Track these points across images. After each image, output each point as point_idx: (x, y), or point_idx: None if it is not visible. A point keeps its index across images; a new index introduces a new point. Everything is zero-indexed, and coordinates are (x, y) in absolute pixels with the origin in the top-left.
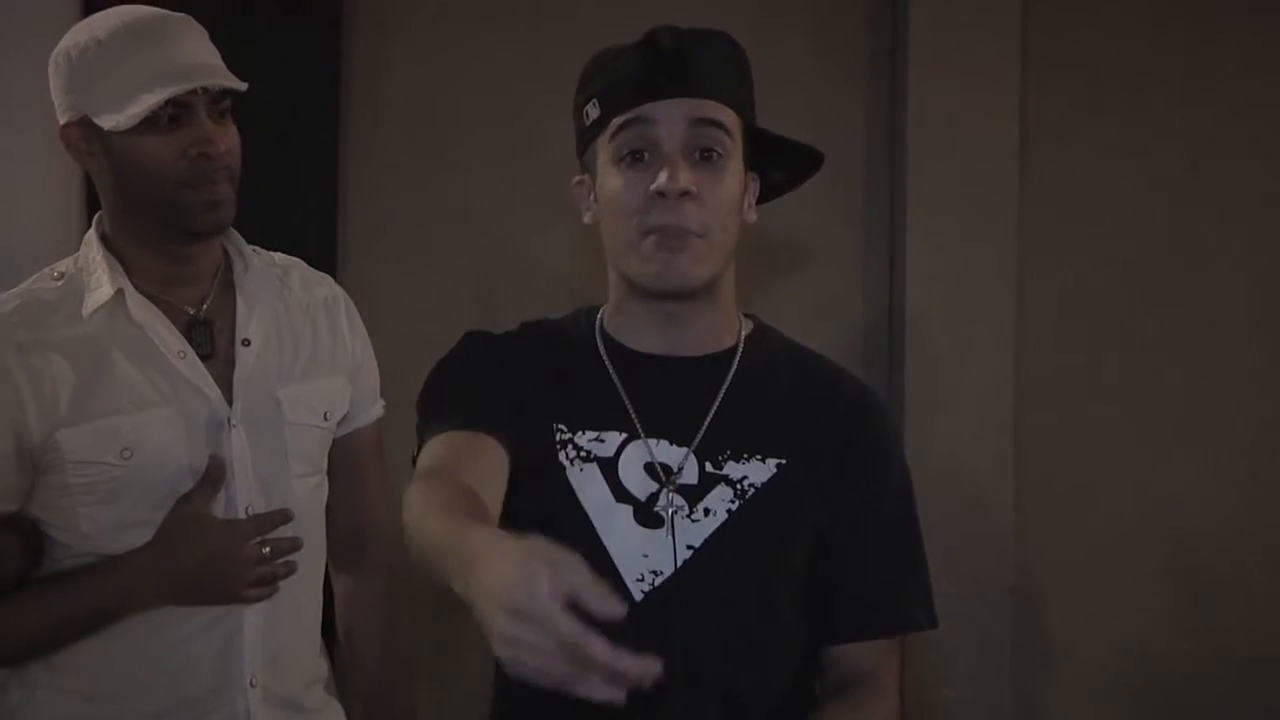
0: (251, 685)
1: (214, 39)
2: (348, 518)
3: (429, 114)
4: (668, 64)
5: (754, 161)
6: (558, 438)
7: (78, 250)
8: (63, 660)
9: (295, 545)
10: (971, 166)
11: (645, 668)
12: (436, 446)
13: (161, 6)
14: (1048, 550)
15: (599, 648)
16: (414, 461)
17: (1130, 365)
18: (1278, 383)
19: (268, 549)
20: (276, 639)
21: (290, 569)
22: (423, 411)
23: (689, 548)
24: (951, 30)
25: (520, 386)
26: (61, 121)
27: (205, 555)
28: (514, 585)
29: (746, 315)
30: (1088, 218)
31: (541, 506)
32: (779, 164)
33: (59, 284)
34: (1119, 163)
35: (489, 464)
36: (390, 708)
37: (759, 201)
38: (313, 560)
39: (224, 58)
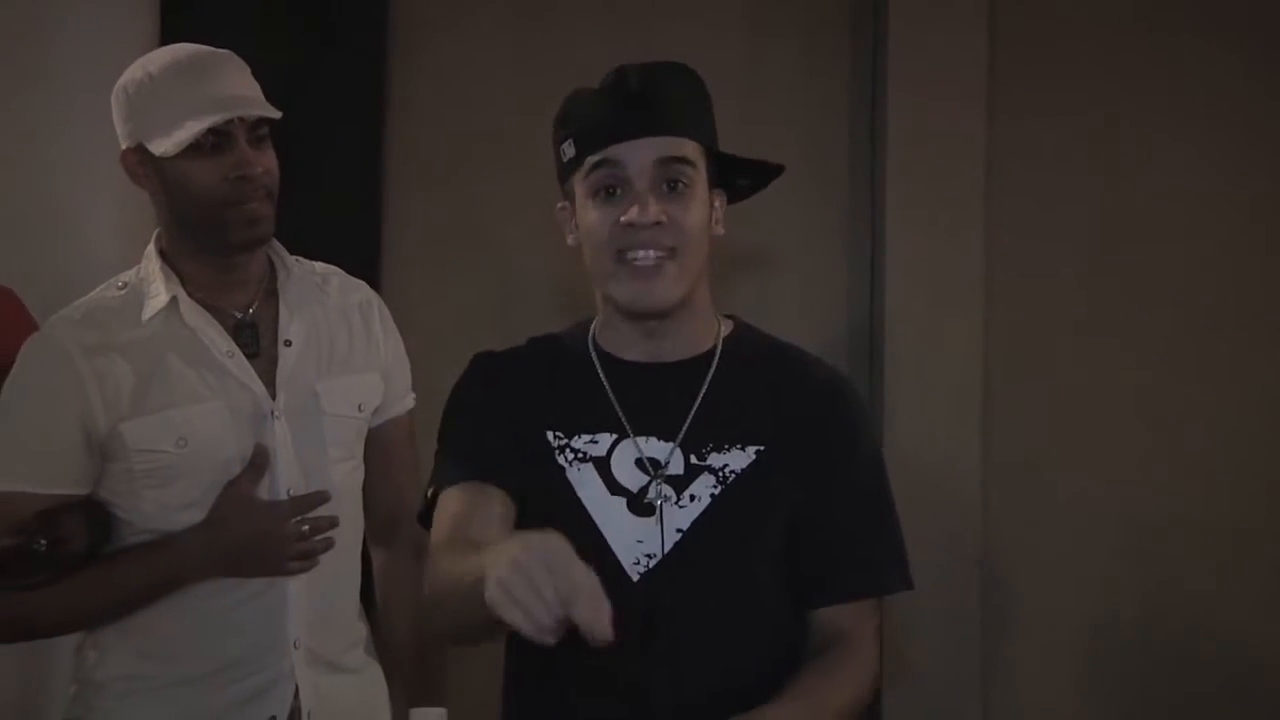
0: (295, 647)
1: (260, 63)
2: (382, 499)
3: (459, 137)
4: (633, 105)
5: (720, 179)
6: (556, 444)
7: (138, 263)
8: (130, 624)
9: (332, 523)
10: (943, 182)
11: (603, 629)
12: (449, 504)
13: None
14: (1013, 527)
15: (579, 607)
16: (427, 494)
17: (1088, 359)
18: (1226, 374)
19: (307, 527)
20: (317, 606)
21: (328, 544)
22: (439, 447)
23: (677, 531)
24: (925, 56)
25: (520, 408)
26: (122, 148)
27: (251, 532)
28: (517, 550)
29: (729, 317)
30: (1048, 228)
31: (546, 504)
32: (744, 174)
33: (122, 293)
34: (1077, 180)
35: (496, 514)
36: (422, 668)
37: (731, 202)
38: (349, 536)
39: (272, 81)
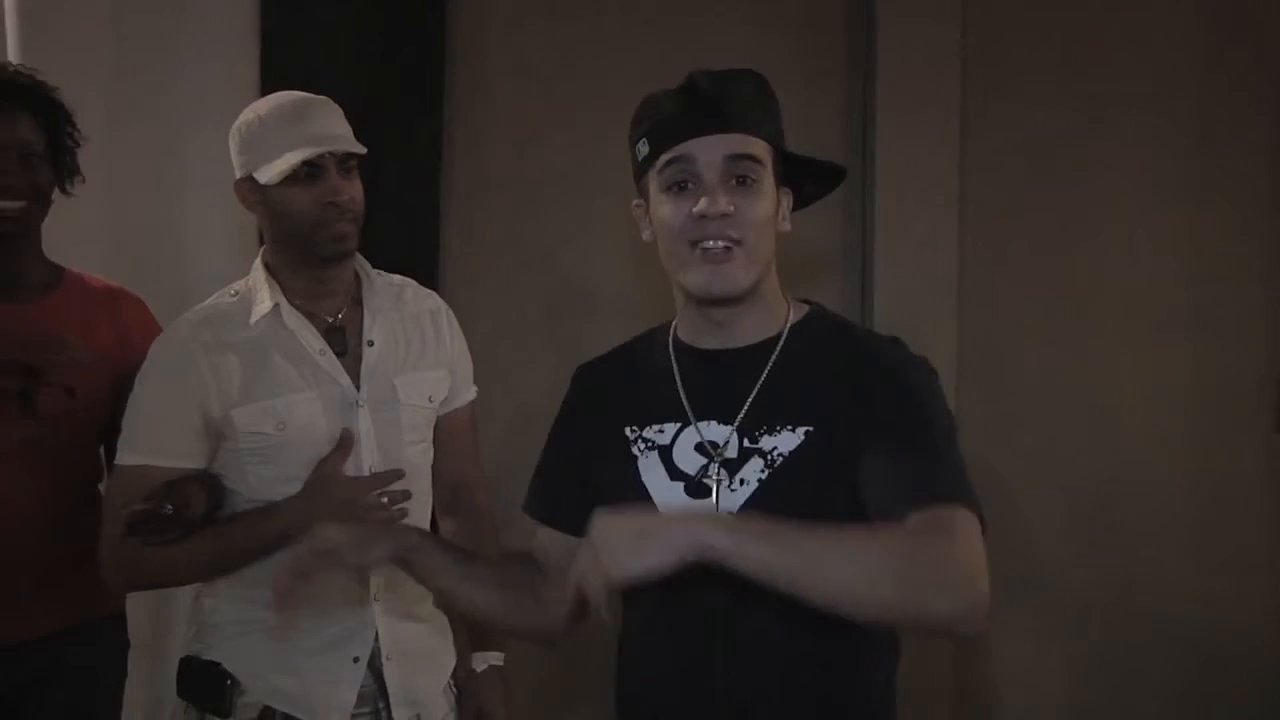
0: (375, 600)
1: (342, 106)
2: (448, 476)
3: (512, 158)
4: (705, 105)
5: (786, 179)
6: (632, 436)
7: (246, 275)
8: (240, 578)
9: (406, 495)
10: (923, 199)
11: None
12: (537, 536)
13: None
14: (983, 496)
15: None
16: (525, 505)
17: (1047, 359)
18: (1163, 371)
19: (385, 498)
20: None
21: (402, 513)
22: (536, 471)
23: (728, 514)
24: (909, 90)
25: (604, 413)
26: (236, 178)
27: (339, 502)
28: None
29: (806, 302)
30: (1015, 242)
31: (616, 492)
32: (810, 178)
33: (234, 300)
34: (1041, 195)
35: (558, 558)
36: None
37: (798, 207)
38: (420, 506)
39: (352, 115)
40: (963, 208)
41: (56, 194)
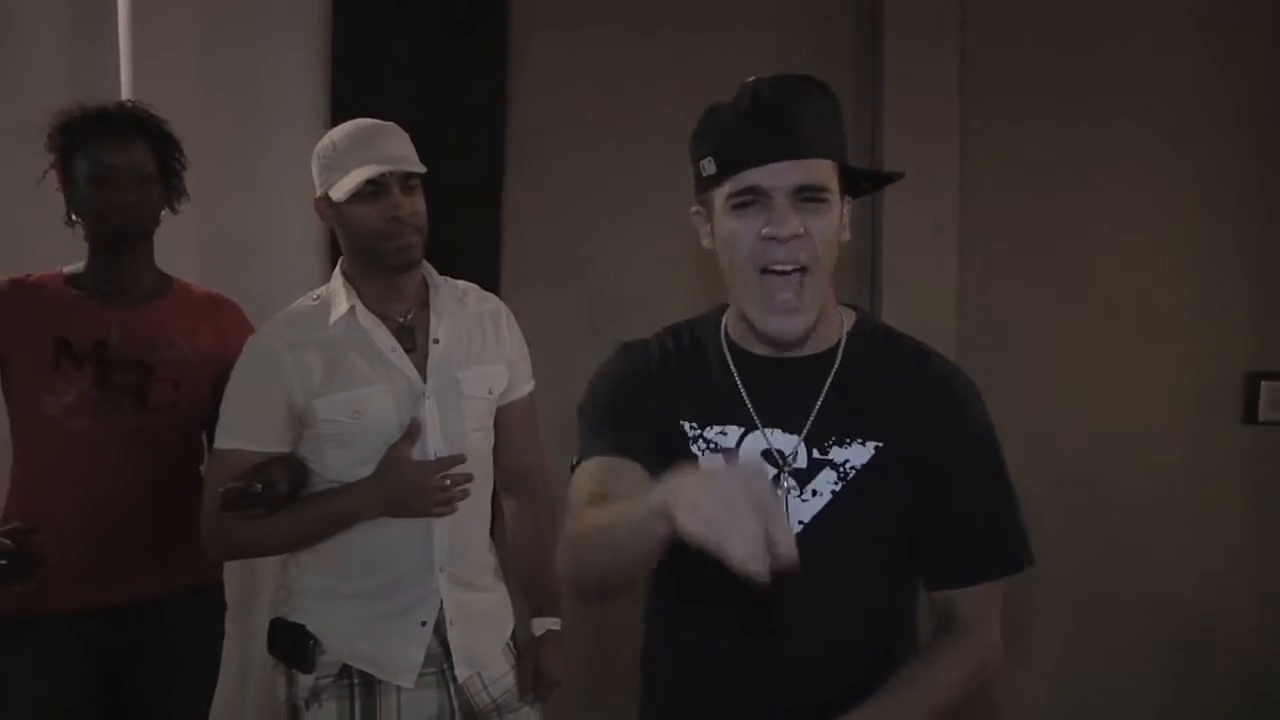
0: (440, 570)
1: (410, 132)
2: (508, 460)
3: (563, 179)
4: (773, 127)
5: (847, 186)
6: (691, 433)
7: (328, 281)
8: (321, 549)
9: (468, 478)
10: (926, 209)
11: (790, 558)
12: (589, 471)
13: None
14: None
15: (775, 525)
16: (572, 465)
17: (1040, 357)
18: (1148, 369)
19: (449, 481)
20: (456, 540)
21: (465, 494)
22: (583, 422)
23: (799, 523)
24: (912, 111)
25: (657, 395)
26: (316, 196)
27: (407, 484)
28: (704, 481)
29: (850, 307)
30: (1009, 249)
31: None
32: (864, 179)
33: (315, 303)
34: (1033, 207)
35: (631, 483)
36: (540, 585)
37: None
38: (481, 488)
39: (420, 140)
40: (962, 218)
41: (165, 212)
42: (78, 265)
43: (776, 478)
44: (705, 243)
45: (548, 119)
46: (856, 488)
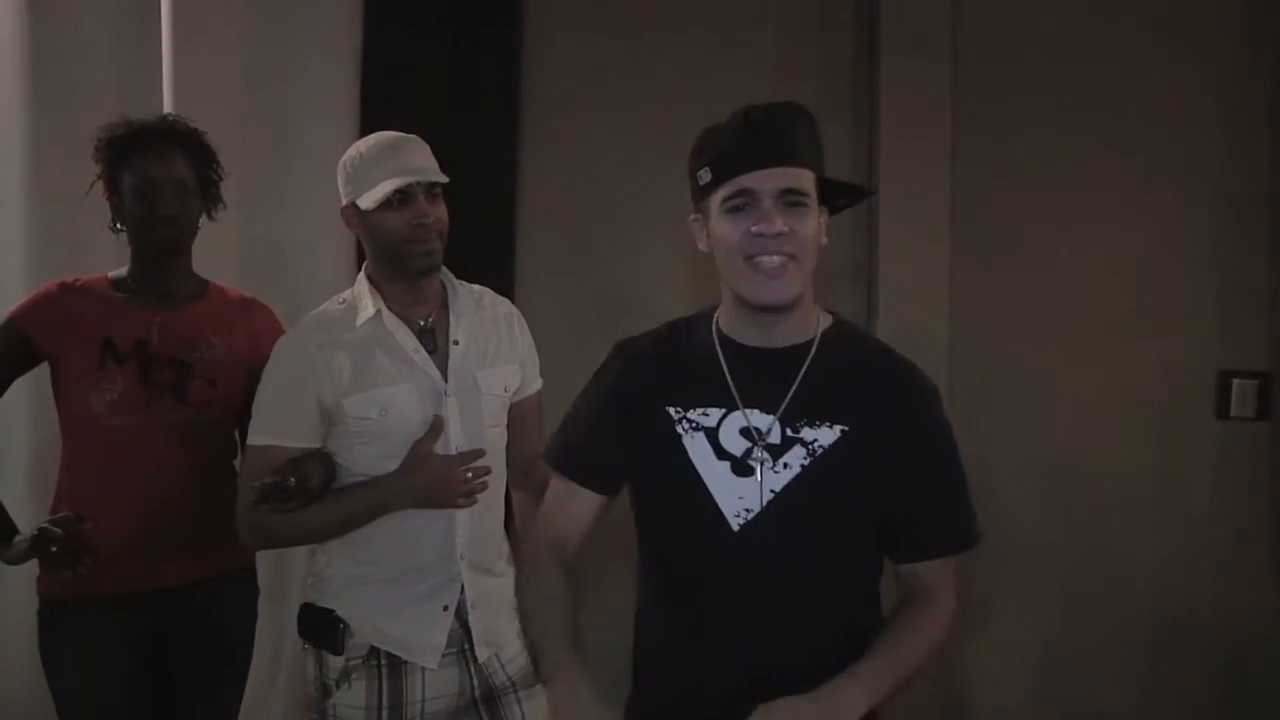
0: (461, 558)
1: (430, 142)
2: (519, 455)
3: (574, 189)
4: (762, 140)
5: (823, 198)
6: (676, 416)
7: (353, 285)
8: (350, 539)
9: (487, 471)
10: (919, 220)
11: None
12: (552, 494)
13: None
14: (966, 470)
15: None
16: (548, 455)
17: (1026, 356)
18: (1126, 367)
19: (470, 474)
20: (477, 529)
21: (484, 486)
22: (566, 421)
23: (771, 491)
24: (906, 126)
25: (644, 390)
26: (341, 205)
27: (433, 478)
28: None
29: (830, 312)
30: (998, 256)
31: (665, 467)
32: (840, 195)
33: (342, 306)
34: (1021, 216)
35: (573, 513)
36: None
37: (831, 215)
38: (498, 481)
39: (439, 150)
40: (953, 227)
41: (203, 220)
42: (121, 270)
43: (751, 450)
44: (701, 246)
45: (561, 123)
46: (822, 464)
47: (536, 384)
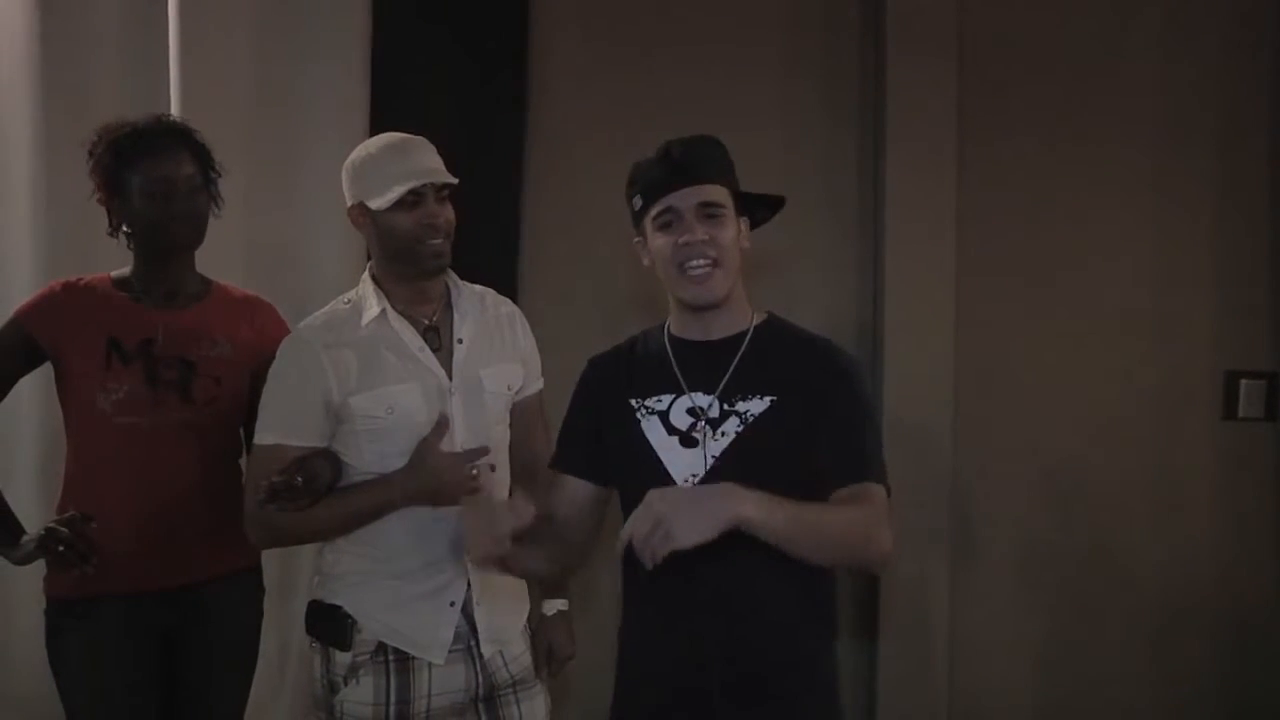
0: (467, 554)
1: (439, 144)
2: (522, 451)
3: (575, 192)
4: (678, 166)
5: (745, 209)
6: (636, 406)
7: (358, 285)
8: (357, 536)
9: (492, 467)
10: (925, 222)
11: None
12: (566, 489)
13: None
14: (972, 470)
15: None
16: (553, 462)
17: (1030, 356)
18: (1130, 368)
19: (474, 470)
20: None
21: (488, 483)
22: (560, 437)
23: (712, 457)
24: (913, 131)
25: (611, 392)
26: (348, 205)
27: (440, 475)
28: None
29: (766, 310)
30: (1003, 257)
31: (628, 448)
32: (761, 205)
33: (347, 306)
34: (1025, 219)
35: (566, 496)
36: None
37: (756, 226)
38: (501, 477)
39: (446, 153)
40: (959, 229)
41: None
42: (124, 270)
43: (695, 425)
44: (645, 262)
45: (566, 126)
46: (754, 429)
47: (538, 383)
